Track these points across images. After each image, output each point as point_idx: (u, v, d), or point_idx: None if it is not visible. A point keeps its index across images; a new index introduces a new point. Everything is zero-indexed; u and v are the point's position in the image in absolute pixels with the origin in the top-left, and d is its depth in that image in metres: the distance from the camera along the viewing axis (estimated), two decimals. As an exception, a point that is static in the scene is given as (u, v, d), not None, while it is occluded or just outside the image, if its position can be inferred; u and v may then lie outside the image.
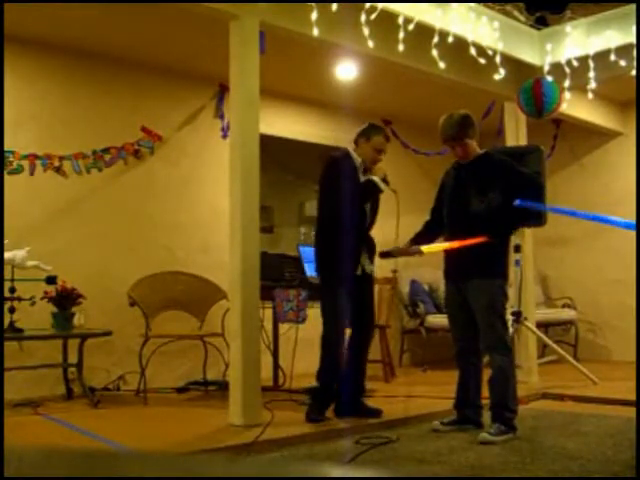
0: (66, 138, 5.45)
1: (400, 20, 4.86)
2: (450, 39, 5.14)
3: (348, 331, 4.35)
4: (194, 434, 3.91)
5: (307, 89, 6.54)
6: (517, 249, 5.52)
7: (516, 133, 6.05)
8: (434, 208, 4.27)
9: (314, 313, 4.85)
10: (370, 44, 4.73)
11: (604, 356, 7.42)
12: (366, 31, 4.72)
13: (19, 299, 4.62)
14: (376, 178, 4.30)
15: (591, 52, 5.64)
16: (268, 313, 5.35)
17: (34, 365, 4.85)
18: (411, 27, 4.89)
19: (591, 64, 5.64)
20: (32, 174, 5.26)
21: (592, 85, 5.69)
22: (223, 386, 5.02)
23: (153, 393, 5.14)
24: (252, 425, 3.92)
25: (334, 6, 4.55)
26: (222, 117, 6.22)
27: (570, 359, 5.95)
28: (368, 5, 4.70)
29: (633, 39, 5.32)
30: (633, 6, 5.26)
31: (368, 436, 3.82)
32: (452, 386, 4.15)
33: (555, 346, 6.09)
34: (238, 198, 4.15)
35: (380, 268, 5.19)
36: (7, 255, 4.53)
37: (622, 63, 5.48)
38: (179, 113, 6.07)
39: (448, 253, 4.10)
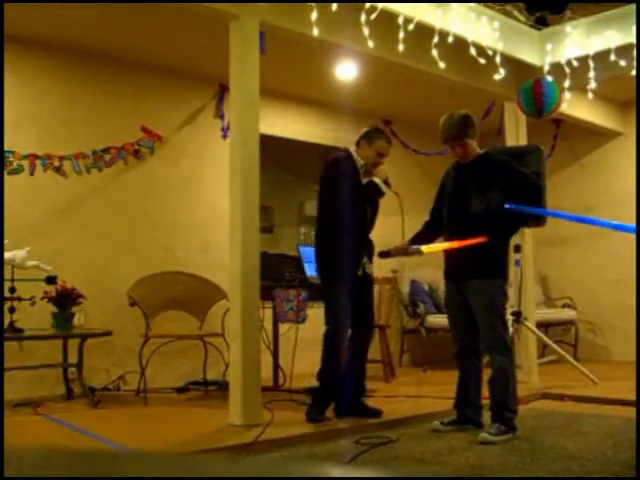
0: (66, 138, 5.45)
1: (400, 20, 4.86)
2: (450, 39, 5.14)
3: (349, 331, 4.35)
4: (194, 434, 3.91)
5: (307, 89, 6.54)
6: (517, 249, 5.52)
7: (516, 133, 6.05)
8: (433, 208, 4.27)
9: (314, 313, 4.86)
10: (370, 44, 4.73)
11: (604, 356, 7.42)
12: (366, 31, 4.72)
13: (19, 299, 4.63)
14: (378, 180, 4.30)
15: (591, 52, 5.64)
16: (268, 313, 5.35)
17: (34, 365, 4.85)
18: (411, 27, 4.89)
19: (591, 64, 5.64)
20: (32, 174, 5.26)
21: (592, 85, 5.69)
22: (223, 386, 5.02)
23: (153, 393, 5.14)
24: (252, 425, 3.92)
25: (334, 6, 4.55)
26: (222, 117, 6.22)
27: (570, 359, 5.95)
28: (368, 5, 4.70)
29: (633, 39, 5.32)
30: (633, 6, 5.26)
31: (368, 436, 3.82)
32: (452, 386, 4.15)
33: (555, 346, 6.09)
34: (238, 198, 4.15)
35: (380, 268, 5.20)
36: (7, 255, 4.53)
37: (622, 63, 5.48)
38: (179, 113, 6.07)
39: (448, 253, 4.10)
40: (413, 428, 4.12)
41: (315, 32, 4.46)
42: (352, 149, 4.41)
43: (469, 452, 3.56)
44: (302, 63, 5.79)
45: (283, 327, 5.42)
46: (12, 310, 4.60)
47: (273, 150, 6.09)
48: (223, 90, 6.07)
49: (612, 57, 5.49)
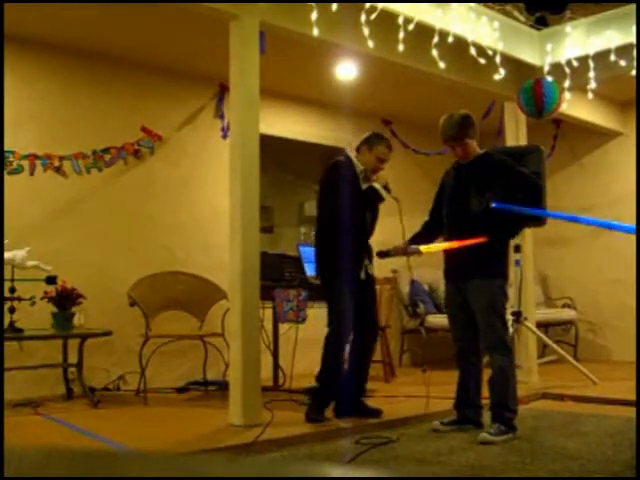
0: (66, 138, 5.45)
1: (400, 20, 4.86)
2: (450, 39, 5.14)
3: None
4: (194, 434, 3.91)
5: (307, 89, 6.54)
6: (517, 249, 5.52)
7: (516, 133, 6.05)
8: (433, 208, 4.27)
9: (314, 313, 4.86)
10: (370, 44, 4.73)
11: (604, 356, 7.42)
12: (366, 31, 4.72)
13: (19, 299, 4.63)
14: (378, 185, 4.29)
15: (591, 52, 5.64)
16: (268, 313, 5.35)
17: (34, 365, 4.85)
18: (411, 27, 4.89)
19: (591, 64, 5.64)
20: (32, 174, 5.26)
21: (592, 85, 5.69)
22: (223, 386, 5.02)
23: (153, 393, 5.14)
24: (252, 425, 3.92)
25: (334, 6, 4.55)
26: (222, 117, 6.22)
27: (570, 359, 5.95)
28: (368, 5, 4.70)
29: (633, 39, 5.32)
30: (633, 6, 5.26)
31: (368, 436, 3.82)
32: (452, 386, 4.15)
33: (555, 346, 6.09)
34: (238, 198, 4.15)
35: (380, 268, 5.19)
36: (7, 255, 4.53)
37: (622, 63, 5.48)
38: (179, 113, 6.07)
39: (448, 253, 4.10)
40: (413, 428, 4.12)
41: (315, 32, 4.46)
42: (352, 154, 4.41)
43: (469, 452, 3.56)
44: (302, 63, 5.79)
45: (283, 327, 5.42)
46: (12, 310, 4.60)
47: (273, 150, 6.09)
48: (223, 90, 6.07)
49: (612, 57, 5.49)
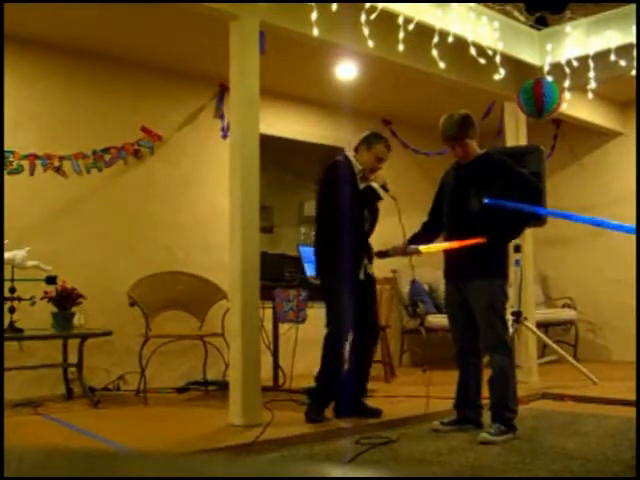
0: (66, 138, 5.45)
1: (400, 20, 4.86)
2: (450, 39, 5.14)
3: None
4: (194, 434, 3.91)
5: (307, 89, 6.54)
6: (517, 249, 5.52)
7: (516, 133, 6.05)
8: (432, 208, 4.27)
9: (314, 313, 4.86)
10: (370, 44, 4.73)
11: (604, 356, 7.42)
12: (366, 31, 4.72)
13: (19, 299, 4.62)
14: (375, 185, 4.30)
15: (591, 52, 5.64)
16: (268, 313, 5.35)
17: (34, 365, 4.85)
18: (411, 27, 4.89)
19: (591, 64, 5.65)
20: (32, 174, 5.26)
21: (592, 85, 5.69)
22: (223, 386, 5.02)
23: (153, 393, 5.14)
24: (252, 425, 3.92)
25: (334, 6, 4.55)
26: (222, 117, 6.22)
27: (570, 359, 5.95)
28: (368, 5, 4.70)
29: (633, 39, 5.32)
30: (633, 6, 5.26)
31: (368, 436, 3.82)
32: (452, 386, 4.15)
33: (555, 346, 6.09)
34: (238, 198, 4.15)
35: (380, 268, 5.19)
36: (7, 255, 4.53)
37: (622, 63, 5.48)
38: (179, 113, 6.07)
39: (448, 253, 4.10)
40: (413, 428, 4.12)
41: (315, 32, 4.46)
42: (350, 154, 4.42)
43: (469, 452, 3.56)
44: (302, 63, 5.79)
45: (283, 327, 5.42)
46: (12, 310, 4.60)
47: (273, 150, 6.09)
48: (223, 90, 6.07)
49: (612, 57, 5.49)
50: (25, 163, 5.23)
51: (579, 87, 5.87)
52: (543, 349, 6.89)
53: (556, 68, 5.81)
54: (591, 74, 5.65)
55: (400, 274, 6.95)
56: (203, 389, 5.52)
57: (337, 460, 3.44)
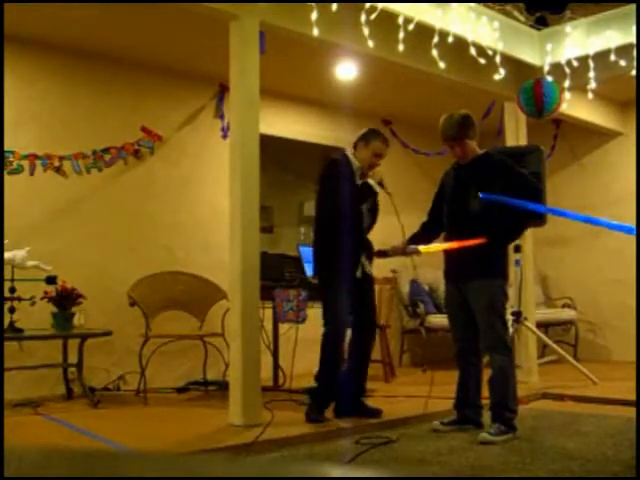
0: (66, 138, 5.45)
1: (400, 20, 4.86)
2: (450, 39, 5.14)
3: (349, 332, 4.35)
4: (194, 434, 3.91)
5: (307, 89, 6.54)
6: (517, 249, 5.52)
7: (516, 133, 6.05)
8: (432, 208, 4.27)
9: (314, 313, 4.85)
10: (370, 44, 4.73)
11: (604, 356, 7.42)
12: (366, 31, 4.72)
13: (19, 299, 4.62)
14: (371, 181, 4.30)
15: (591, 52, 5.64)
16: (268, 313, 5.35)
17: (34, 365, 4.85)
18: (411, 27, 4.89)
19: (591, 64, 5.65)
20: (32, 174, 5.26)
21: (592, 85, 5.69)
22: (223, 386, 5.02)
23: (153, 393, 5.14)
24: (252, 425, 3.92)
25: (334, 6, 4.55)
26: (222, 117, 6.22)
27: (570, 359, 5.95)
28: (368, 5, 4.70)
29: (633, 39, 5.32)
30: (633, 6, 5.26)
31: (368, 436, 3.82)
32: (452, 386, 4.15)
33: (555, 346, 6.09)
34: (238, 198, 4.15)
35: (380, 268, 5.19)
36: (7, 255, 4.53)
37: (622, 63, 5.48)
38: (179, 113, 6.07)
39: (448, 253, 4.10)
40: (413, 428, 4.12)
41: (315, 32, 4.46)
42: (349, 152, 4.42)
43: (469, 452, 3.56)
44: (302, 63, 5.79)
45: (283, 327, 5.42)
46: (12, 310, 4.60)
47: (273, 150, 6.09)
48: (223, 90, 6.07)
49: (612, 57, 5.49)
50: (25, 163, 5.23)
51: (579, 87, 5.87)
52: (543, 349, 6.89)
53: (556, 68, 5.81)
54: (591, 74, 5.65)
55: (400, 274, 6.95)
56: (203, 389, 5.52)
57: (337, 460, 3.44)
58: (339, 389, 4.24)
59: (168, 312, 5.44)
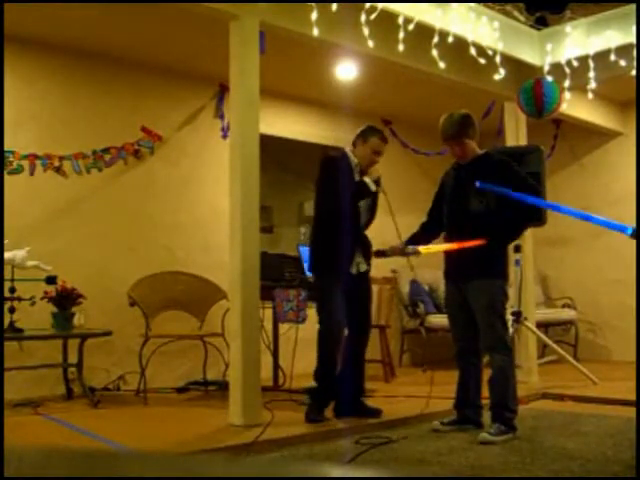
0: (66, 138, 5.45)
1: (400, 20, 4.86)
2: (450, 39, 5.14)
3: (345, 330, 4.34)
4: (194, 434, 3.91)
5: (307, 89, 6.54)
6: (517, 249, 5.52)
7: (516, 133, 6.05)
8: (431, 208, 4.27)
9: (314, 313, 4.85)
10: (370, 44, 4.73)
11: (604, 356, 7.42)
12: (366, 31, 4.72)
13: (19, 299, 4.63)
14: (368, 179, 4.29)
15: (591, 52, 5.64)
16: (268, 313, 5.35)
17: (34, 365, 4.85)
18: (411, 27, 4.89)
19: (591, 64, 5.65)
20: (32, 174, 5.26)
21: (592, 85, 5.69)
22: (223, 386, 5.02)
23: (153, 393, 5.14)
24: (252, 425, 3.92)
25: (334, 6, 4.55)
26: (222, 117, 6.22)
27: (570, 359, 5.95)
28: (368, 5, 4.70)
29: (633, 39, 5.32)
30: (633, 6, 5.26)
31: (368, 436, 3.82)
32: (452, 386, 4.15)
33: (555, 346, 6.09)
34: (238, 198, 4.15)
35: (380, 268, 5.19)
36: (7, 255, 4.53)
37: (622, 63, 5.49)
38: (179, 113, 6.07)
39: (448, 253, 4.10)
40: (413, 428, 4.12)
41: (315, 32, 4.46)
42: (348, 149, 4.42)
43: (469, 452, 3.56)
44: (302, 63, 5.79)
45: (283, 327, 5.42)
46: (12, 310, 4.60)
47: (273, 150, 6.09)
48: (223, 90, 6.07)
49: (612, 57, 5.49)
50: (25, 163, 5.23)
51: (579, 87, 5.87)
52: (543, 349, 6.89)
53: (556, 68, 5.81)
54: (591, 74, 5.65)
55: (400, 274, 6.95)
56: (203, 389, 5.52)
57: (337, 460, 3.44)
58: (339, 389, 4.24)
59: (168, 312, 5.44)
